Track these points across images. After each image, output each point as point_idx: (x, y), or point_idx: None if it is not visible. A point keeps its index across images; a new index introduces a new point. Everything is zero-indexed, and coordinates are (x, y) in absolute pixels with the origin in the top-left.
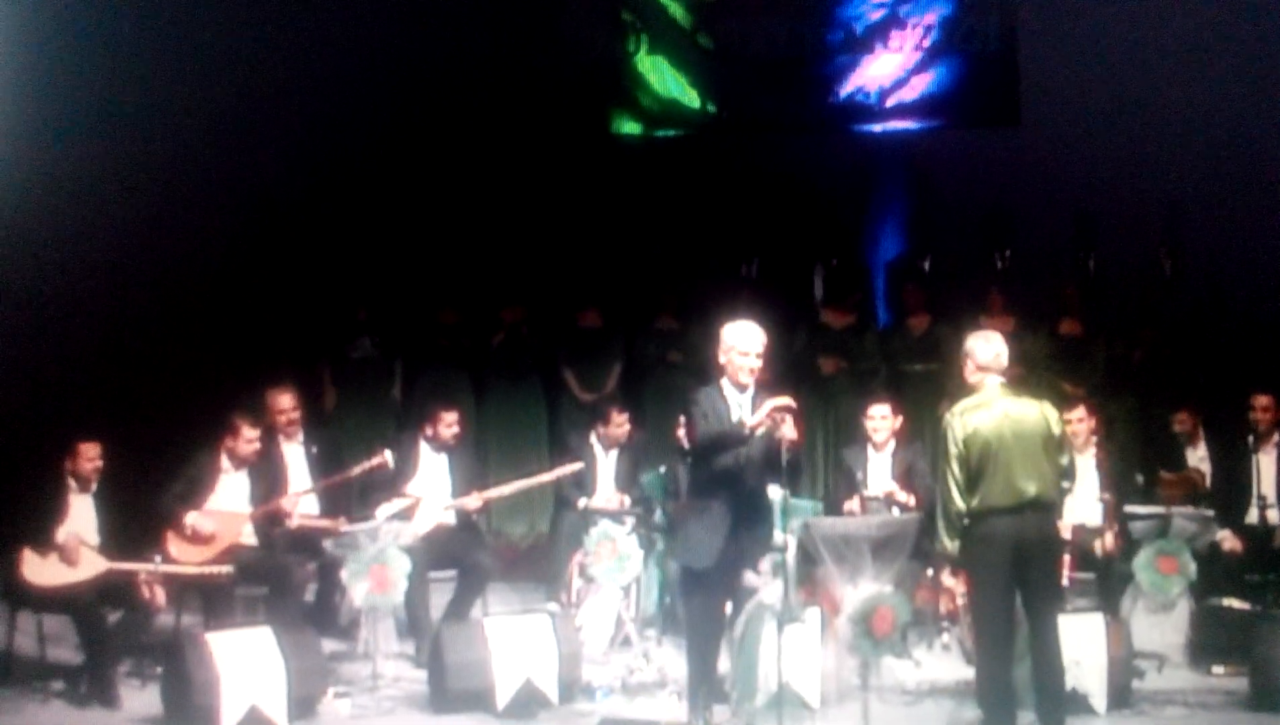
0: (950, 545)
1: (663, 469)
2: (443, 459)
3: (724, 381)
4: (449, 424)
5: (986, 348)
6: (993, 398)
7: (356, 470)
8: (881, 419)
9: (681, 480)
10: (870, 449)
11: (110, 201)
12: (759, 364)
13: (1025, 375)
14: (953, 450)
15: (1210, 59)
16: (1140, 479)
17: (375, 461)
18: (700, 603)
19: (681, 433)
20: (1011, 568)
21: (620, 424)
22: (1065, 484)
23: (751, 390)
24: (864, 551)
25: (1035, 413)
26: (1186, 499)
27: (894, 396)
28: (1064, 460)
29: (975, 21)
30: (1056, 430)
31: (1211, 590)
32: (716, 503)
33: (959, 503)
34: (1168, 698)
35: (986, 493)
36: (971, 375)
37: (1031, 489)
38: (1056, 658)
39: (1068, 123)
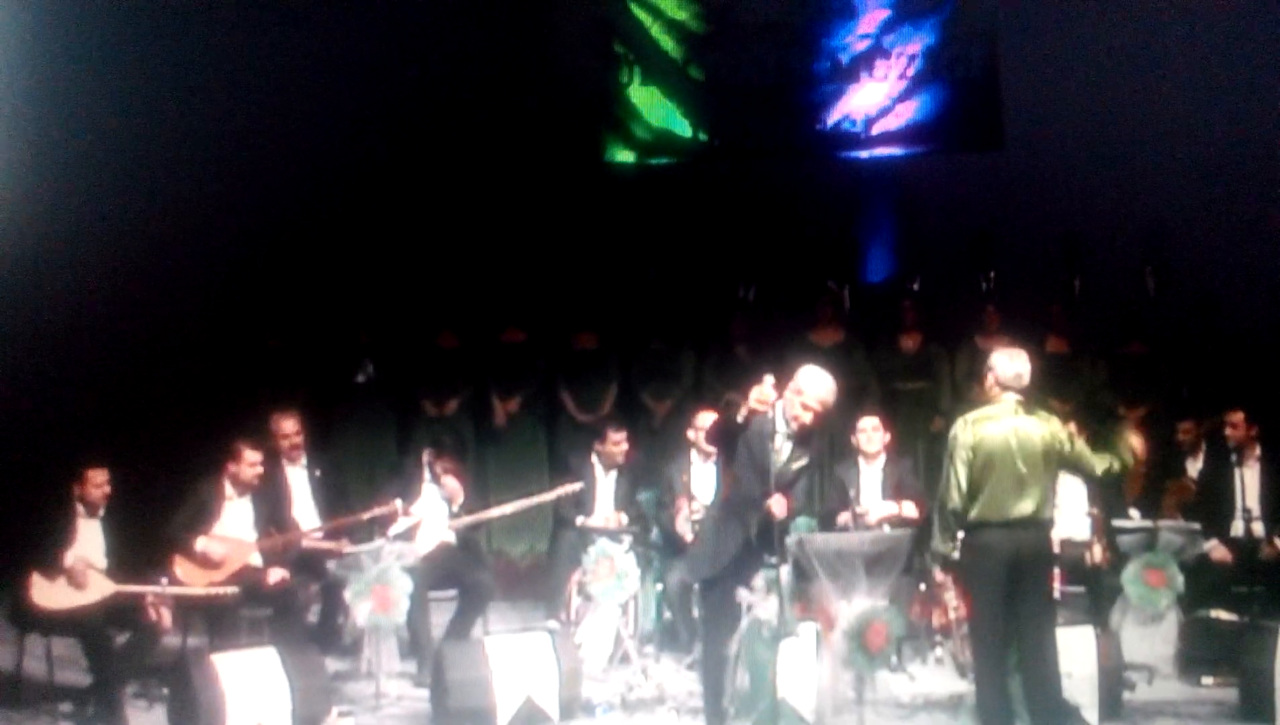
0: (945, 548)
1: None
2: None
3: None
4: (447, 468)
5: (1009, 365)
6: (1004, 412)
7: (367, 515)
8: (874, 431)
9: (676, 488)
10: (862, 463)
11: (115, 228)
12: (811, 417)
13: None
14: (960, 455)
15: (1191, 80)
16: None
17: (387, 508)
18: (724, 619)
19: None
20: (1006, 581)
21: (618, 442)
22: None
23: (794, 428)
24: (858, 567)
25: (1042, 431)
26: (1180, 507)
27: (885, 414)
28: (1096, 466)
29: (958, 50)
30: (1064, 447)
31: (1199, 602)
32: (741, 519)
33: (959, 507)
34: (1158, 709)
35: (984, 505)
36: (990, 389)
37: (1028, 508)
38: (1053, 671)
39: (1050, 146)
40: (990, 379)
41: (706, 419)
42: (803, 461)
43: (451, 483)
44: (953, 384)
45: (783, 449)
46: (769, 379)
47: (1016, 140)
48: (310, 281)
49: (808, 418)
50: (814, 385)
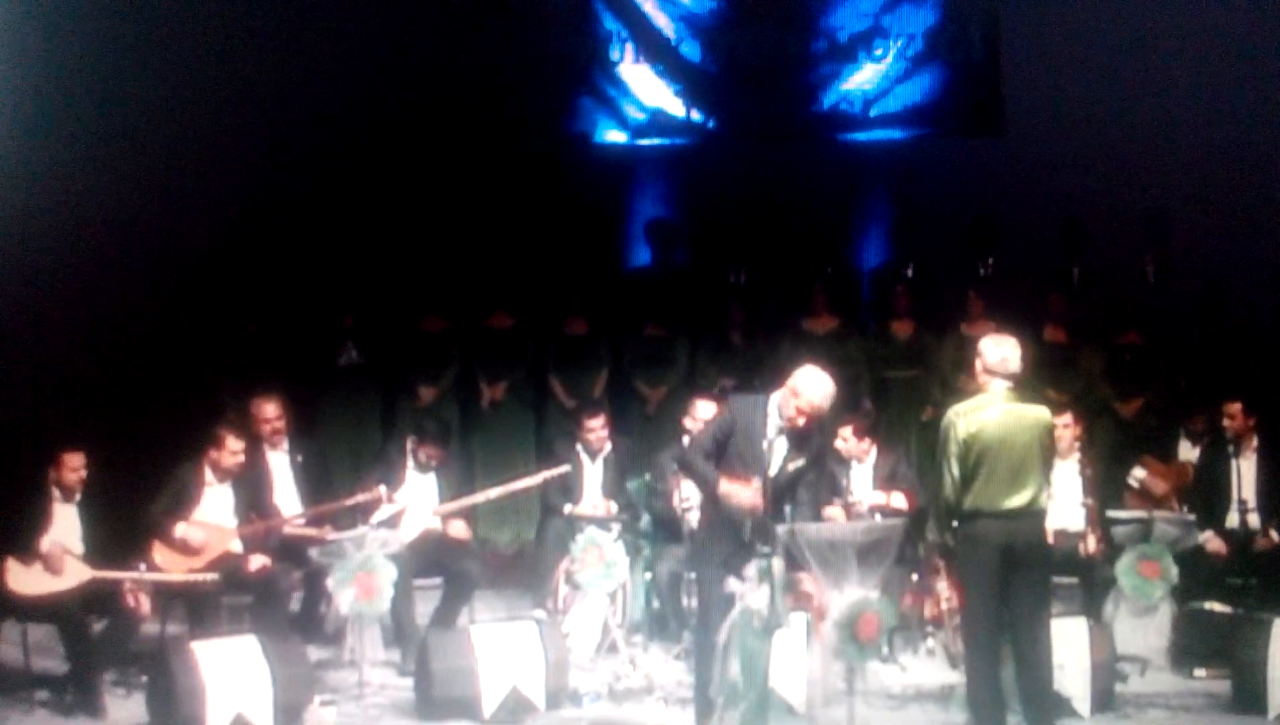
0: (945, 538)
1: (648, 476)
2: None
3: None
4: (431, 455)
5: (996, 351)
6: (995, 401)
7: (350, 502)
8: (842, 442)
9: (670, 476)
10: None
11: (96, 211)
12: (804, 420)
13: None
14: (953, 449)
15: (1195, 66)
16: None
17: (371, 495)
18: (716, 608)
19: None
20: (1000, 572)
21: (593, 429)
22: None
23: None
24: (849, 557)
25: (1034, 419)
26: (1174, 492)
27: (876, 403)
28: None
29: (958, 31)
30: (1047, 438)
31: (1193, 594)
32: (732, 520)
33: (953, 499)
34: (1150, 701)
35: (978, 495)
36: (980, 376)
37: (1021, 498)
38: (1045, 662)
39: (1051, 131)
40: (979, 366)
41: (702, 407)
42: (800, 462)
43: (435, 465)
44: (942, 372)
45: (776, 448)
46: (757, 482)
47: (1017, 125)
48: (294, 263)
49: (801, 421)
50: (810, 387)
